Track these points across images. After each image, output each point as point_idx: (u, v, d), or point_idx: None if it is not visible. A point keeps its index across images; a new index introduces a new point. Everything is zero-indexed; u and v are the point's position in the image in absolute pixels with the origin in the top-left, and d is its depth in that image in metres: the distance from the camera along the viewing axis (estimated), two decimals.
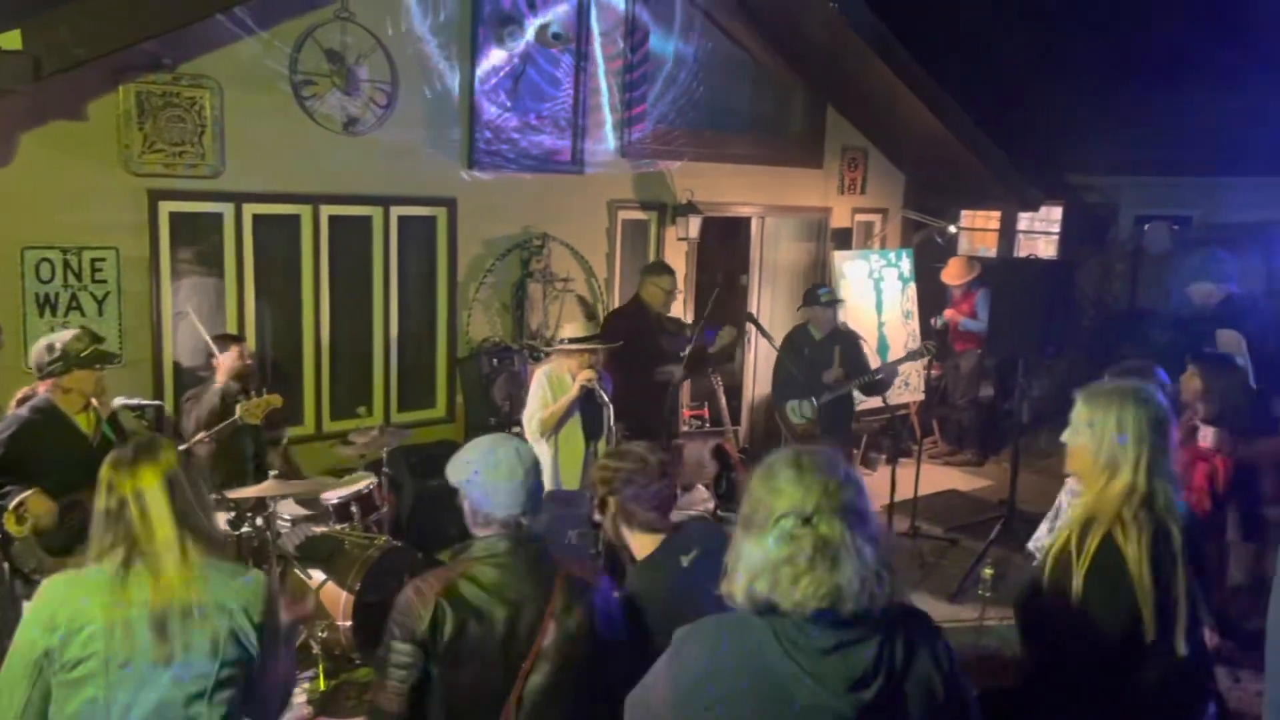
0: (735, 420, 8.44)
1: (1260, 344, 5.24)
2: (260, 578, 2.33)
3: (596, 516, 4.46)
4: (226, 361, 4.91)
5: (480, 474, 2.40)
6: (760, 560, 1.77)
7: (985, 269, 8.62)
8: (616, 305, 7.54)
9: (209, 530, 2.28)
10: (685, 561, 2.76)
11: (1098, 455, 2.51)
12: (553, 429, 4.73)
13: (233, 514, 3.48)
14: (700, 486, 6.82)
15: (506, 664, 2.31)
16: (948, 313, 8.64)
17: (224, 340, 5.13)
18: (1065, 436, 2.63)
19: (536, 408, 4.73)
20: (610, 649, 2.43)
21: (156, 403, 3.83)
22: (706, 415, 8.11)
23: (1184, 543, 2.46)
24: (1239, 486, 4.60)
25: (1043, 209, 10.27)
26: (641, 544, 2.81)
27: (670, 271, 6.11)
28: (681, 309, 7.84)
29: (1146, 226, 9.76)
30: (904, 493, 6.82)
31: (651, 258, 7.76)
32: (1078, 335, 8.19)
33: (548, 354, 5.01)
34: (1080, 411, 2.58)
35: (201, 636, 2.17)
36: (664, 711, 1.84)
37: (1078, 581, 2.41)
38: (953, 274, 8.68)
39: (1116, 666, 2.44)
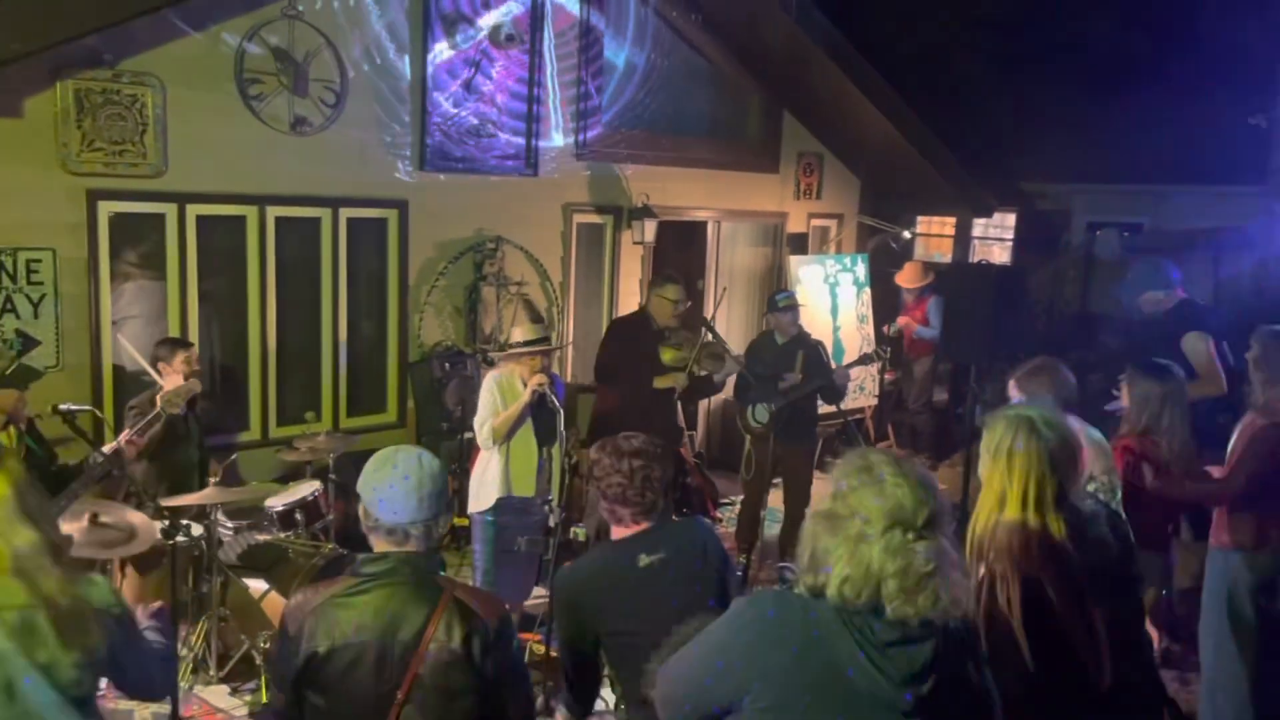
0: (692, 425, 8.40)
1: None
2: (103, 578, 2.19)
3: (552, 521, 4.44)
4: (175, 367, 4.78)
5: (376, 480, 2.25)
6: (862, 566, 1.75)
7: (939, 274, 8.67)
8: (572, 309, 7.50)
9: (55, 537, 2.13)
10: (643, 562, 2.73)
11: (991, 484, 2.48)
12: (505, 436, 4.65)
13: (166, 523, 3.36)
14: None
15: (379, 691, 2.15)
16: (901, 320, 8.68)
17: (172, 345, 5.00)
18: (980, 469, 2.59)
19: (487, 414, 4.64)
20: (499, 687, 2.25)
21: (85, 407, 3.69)
22: None
23: (1103, 561, 2.42)
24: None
25: (998, 216, 10.38)
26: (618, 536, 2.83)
27: (674, 281, 5.95)
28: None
29: (1098, 233, 9.91)
30: None
31: (607, 260, 7.72)
32: (1030, 340, 8.24)
33: (496, 359, 4.91)
34: (984, 435, 2.54)
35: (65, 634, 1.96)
36: (713, 674, 1.86)
37: (1021, 640, 2.32)
38: (907, 277, 8.72)
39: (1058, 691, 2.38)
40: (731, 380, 6.46)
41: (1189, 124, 8.98)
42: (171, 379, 4.63)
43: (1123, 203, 9.91)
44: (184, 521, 4.31)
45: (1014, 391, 3.64)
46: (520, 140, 6.91)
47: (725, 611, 1.96)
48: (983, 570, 2.39)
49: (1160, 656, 4.99)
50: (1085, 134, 9.77)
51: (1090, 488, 3.28)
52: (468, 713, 2.21)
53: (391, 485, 2.22)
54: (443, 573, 2.36)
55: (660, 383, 5.67)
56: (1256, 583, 3.93)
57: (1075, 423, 3.48)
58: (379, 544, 2.28)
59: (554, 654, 4.91)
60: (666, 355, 5.83)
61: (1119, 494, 3.60)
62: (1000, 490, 2.44)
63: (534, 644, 4.86)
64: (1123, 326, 6.56)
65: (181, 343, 5.09)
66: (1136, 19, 10.01)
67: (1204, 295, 8.17)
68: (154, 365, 4.75)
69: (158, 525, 3.84)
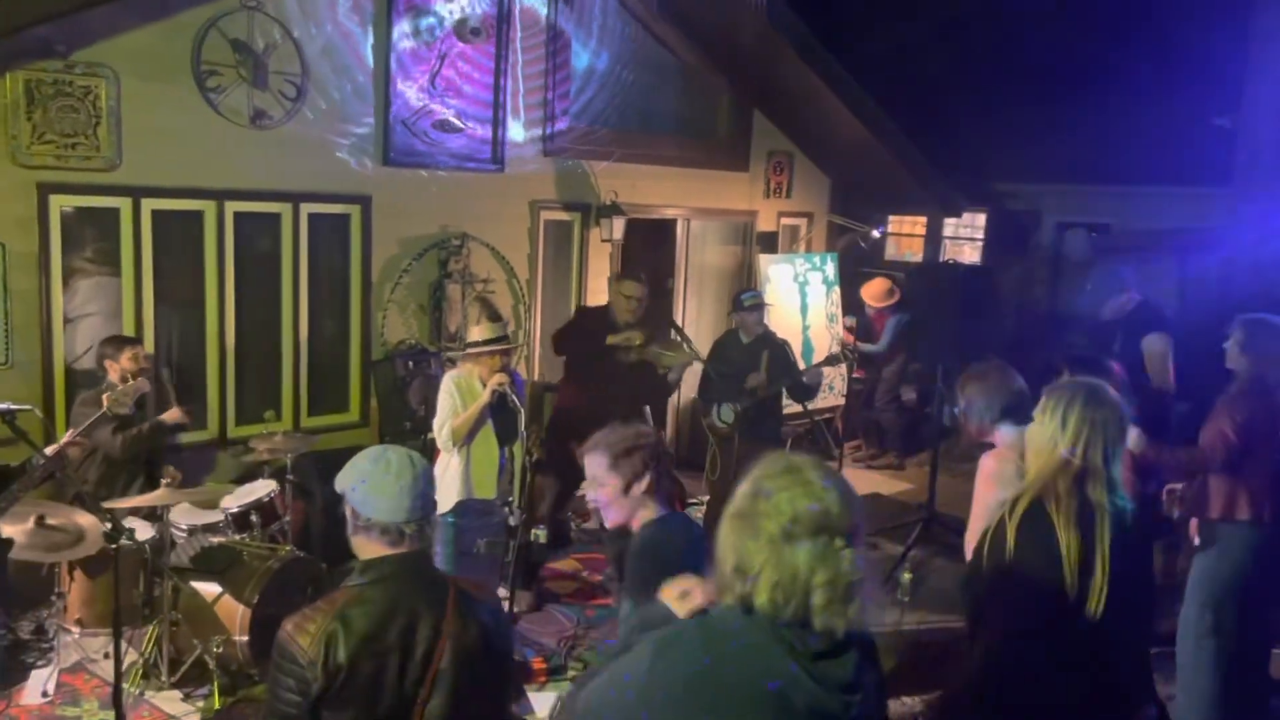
0: (660, 423, 8.35)
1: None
2: None
3: (512, 522, 4.37)
4: (122, 365, 4.67)
5: (367, 479, 2.22)
6: (789, 571, 1.69)
7: (908, 276, 8.69)
8: (539, 307, 7.42)
9: None
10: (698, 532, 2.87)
11: (1042, 440, 2.64)
12: (465, 438, 4.56)
13: (109, 525, 3.26)
14: None
15: (401, 693, 2.13)
16: (847, 336, 8.70)
17: (119, 343, 4.88)
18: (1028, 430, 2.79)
19: (446, 416, 4.54)
20: (503, 665, 2.31)
21: (25, 407, 3.58)
22: None
23: (1119, 536, 2.51)
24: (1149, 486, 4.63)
25: (968, 216, 10.39)
26: (647, 511, 2.81)
27: (635, 279, 5.94)
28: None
29: (1067, 233, 9.95)
30: None
31: (575, 258, 7.65)
32: (999, 340, 8.27)
33: (454, 359, 4.83)
34: (1043, 401, 2.71)
35: None
36: (646, 713, 1.75)
37: (1010, 540, 2.52)
38: (872, 294, 8.72)
39: (1052, 635, 2.50)
40: (695, 379, 6.42)
41: (1156, 125, 9.03)
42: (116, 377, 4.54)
43: (1091, 203, 9.95)
44: (128, 525, 4.20)
45: (959, 395, 3.62)
46: (486, 136, 6.83)
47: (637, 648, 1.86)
48: (1028, 500, 2.57)
49: None
50: (1054, 134, 9.79)
51: None
52: (484, 699, 2.24)
53: (385, 484, 2.20)
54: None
55: (614, 339, 5.75)
56: (1242, 561, 3.95)
57: (1013, 430, 3.46)
58: (369, 546, 2.23)
59: (517, 658, 4.87)
60: (622, 352, 5.82)
61: None
62: (1053, 438, 2.59)
63: None
64: (1089, 327, 6.58)
65: (128, 340, 4.98)
66: (1104, 21, 10.05)
67: (1169, 295, 8.23)
68: (100, 363, 4.63)
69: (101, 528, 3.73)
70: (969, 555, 2.81)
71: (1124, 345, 5.34)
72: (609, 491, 2.76)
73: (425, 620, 2.16)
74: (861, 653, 1.77)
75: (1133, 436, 3.88)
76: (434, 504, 2.28)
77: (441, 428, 4.54)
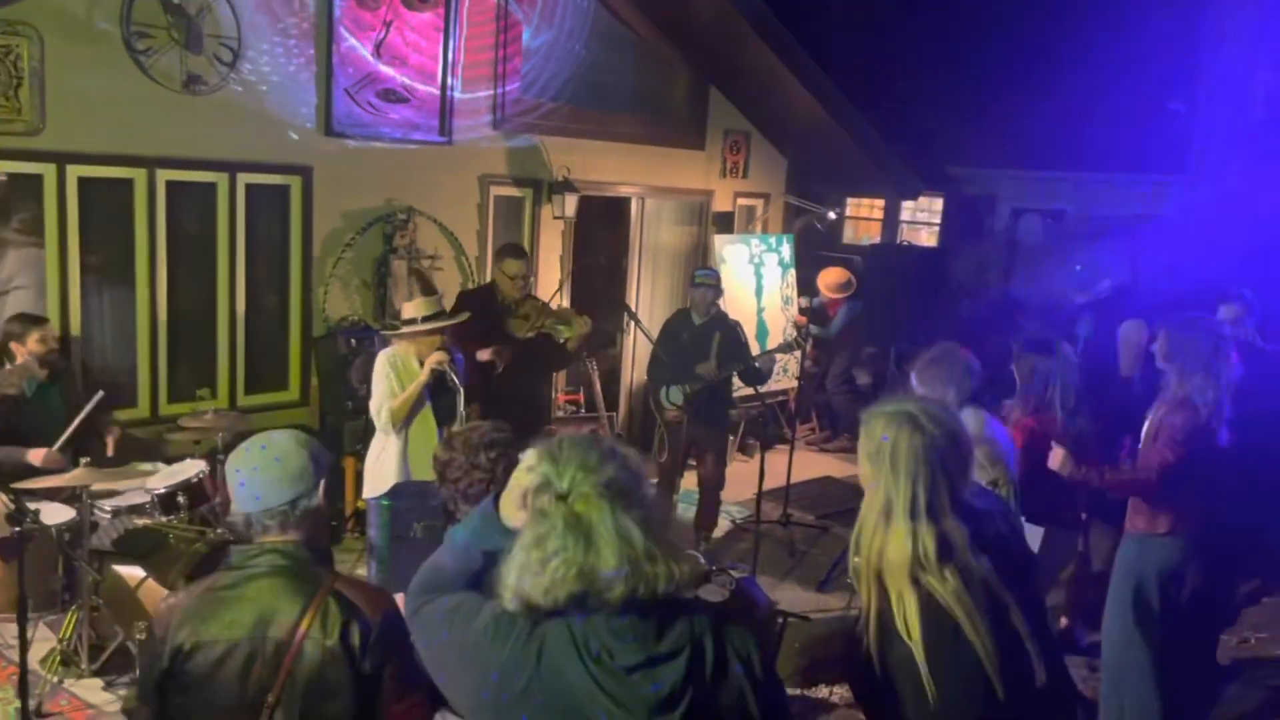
0: (613, 406, 8.24)
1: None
2: None
3: (450, 506, 4.22)
4: (29, 346, 4.45)
5: (240, 468, 2.10)
6: (516, 549, 1.62)
7: (863, 258, 8.64)
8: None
9: None
10: None
11: (875, 492, 2.12)
12: (404, 419, 4.40)
13: (12, 507, 3.07)
14: None
15: (247, 693, 1.99)
16: (799, 319, 8.63)
17: (25, 322, 4.65)
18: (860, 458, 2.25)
19: (384, 397, 4.36)
20: (380, 688, 2.09)
21: None
22: (581, 400, 7.89)
23: (1005, 561, 2.13)
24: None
25: (925, 200, 10.37)
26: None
27: (517, 255, 5.63)
28: (561, 292, 7.58)
29: (1022, 219, 9.96)
30: (779, 479, 6.74)
31: (526, 235, 7.48)
32: (952, 323, 8.25)
33: (390, 337, 4.65)
34: (861, 436, 2.20)
35: None
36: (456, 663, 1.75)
37: (926, 679, 2.01)
38: (828, 284, 8.65)
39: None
40: (642, 360, 6.27)
41: (1112, 113, 9.05)
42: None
43: (1046, 189, 9.97)
44: (47, 506, 4.00)
45: (915, 382, 3.52)
46: (434, 107, 6.62)
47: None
48: (873, 594, 2.09)
49: (1070, 640, 4.99)
50: (1011, 120, 9.78)
51: (984, 480, 3.15)
52: (345, 714, 2.05)
53: (239, 475, 2.10)
54: (328, 562, 2.24)
55: (481, 355, 5.33)
56: (1166, 570, 3.90)
57: (972, 415, 3.37)
58: (244, 533, 2.14)
59: None
60: (516, 329, 5.55)
61: (1014, 490, 3.48)
62: (886, 498, 2.10)
63: None
64: (1040, 311, 6.57)
65: (35, 320, 4.77)
66: (1062, 8, 10.04)
67: (1123, 282, 8.26)
68: (5, 343, 4.41)
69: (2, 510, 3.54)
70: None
71: (1096, 328, 5.29)
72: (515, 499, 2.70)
73: (282, 617, 2.02)
74: (720, 645, 1.64)
75: (1058, 457, 3.81)
76: (306, 485, 2.11)
77: (380, 410, 4.38)
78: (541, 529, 1.62)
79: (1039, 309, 7.09)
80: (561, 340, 5.69)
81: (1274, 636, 5.09)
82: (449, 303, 6.03)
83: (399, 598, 4.70)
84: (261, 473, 2.08)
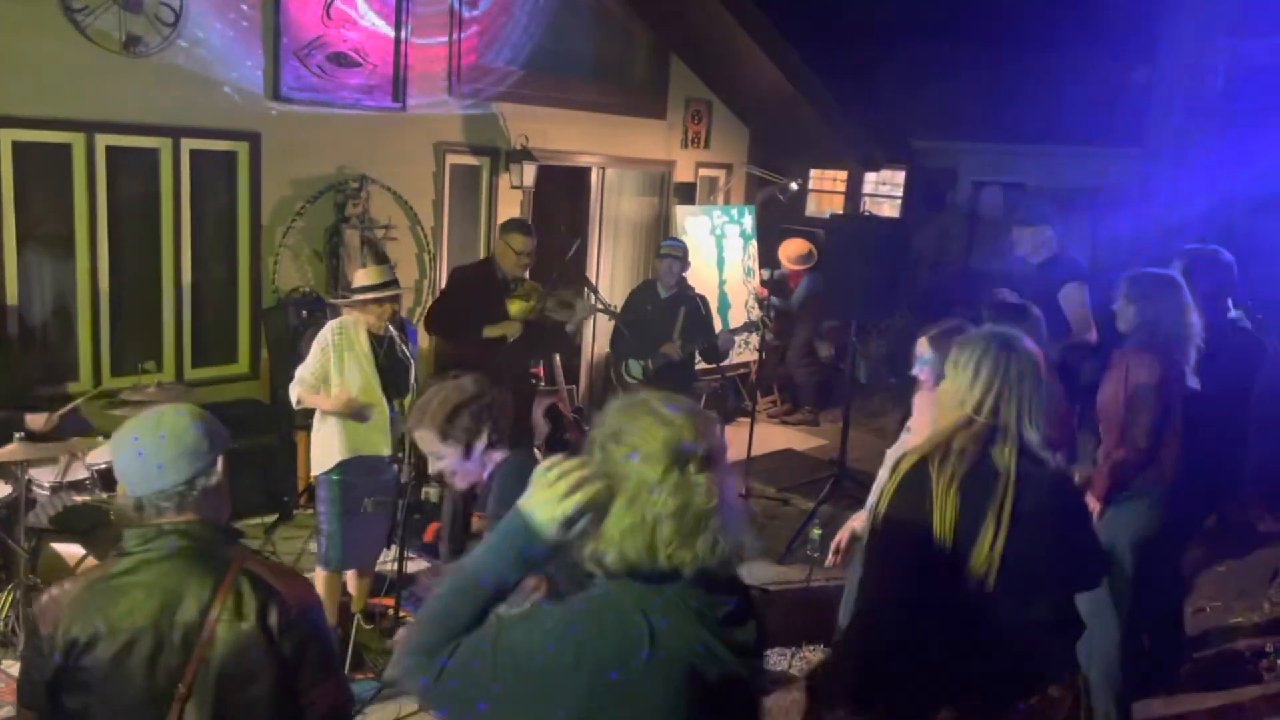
0: (573, 379, 8.15)
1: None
2: None
3: (404, 478, 4.12)
4: None
5: (115, 454, 1.97)
6: (638, 514, 1.50)
7: (825, 231, 8.58)
8: (445, 256, 7.10)
9: None
10: None
11: (949, 396, 2.42)
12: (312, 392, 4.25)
13: None
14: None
15: (153, 684, 1.86)
16: (760, 290, 8.58)
17: None
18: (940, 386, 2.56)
19: (307, 373, 4.22)
20: (301, 673, 1.99)
21: None
22: (541, 374, 7.78)
23: (1031, 503, 2.29)
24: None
25: (888, 172, 10.32)
26: (497, 457, 2.72)
27: (524, 231, 5.40)
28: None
29: (982, 192, 9.96)
30: (740, 452, 6.70)
31: (484, 205, 7.35)
32: (914, 296, 8.24)
33: (339, 304, 4.50)
34: (953, 354, 2.49)
35: None
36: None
37: (883, 503, 2.35)
38: (789, 255, 8.59)
39: (928, 606, 2.31)
40: (604, 332, 6.17)
41: (1070, 85, 9.04)
42: None
43: (1006, 162, 9.96)
44: None
45: (924, 349, 3.48)
46: (387, 72, 6.44)
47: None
48: (912, 461, 2.38)
49: None
50: (971, 92, 9.77)
51: None
52: (264, 701, 1.93)
53: (129, 454, 1.94)
54: (236, 540, 2.07)
55: (490, 331, 5.21)
56: (1142, 529, 3.89)
57: None
58: (135, 516, 1.97)
59: (411, 620, 4.65)
60: (514, 308, 5.36)
61: None
62: (961, 395, 2.38)
63: (391, 609, 4.59)
64: (1004, 282, 6.54)
65: None
66: None
67: (1081, 255, 8.27)
68: None
69: None
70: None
71: (1043, 298, 5.26)
72: (451, 460, 2.64)
73: (189, 601, 1.88)
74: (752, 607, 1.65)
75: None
76: (200, 465, 1.95)
77: (298, 383, 4.22)
78: (685, 498, 1.50)
79: (999, 280, 7.07)
80: (562, 324, 5.53)
81: (1228, 605, 5.14)
82: (411, 272, 5.95)
83: (350, 575, 4.57)
84: (154, 452, 1.92)
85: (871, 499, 2.60)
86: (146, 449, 1.92)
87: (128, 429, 1.97)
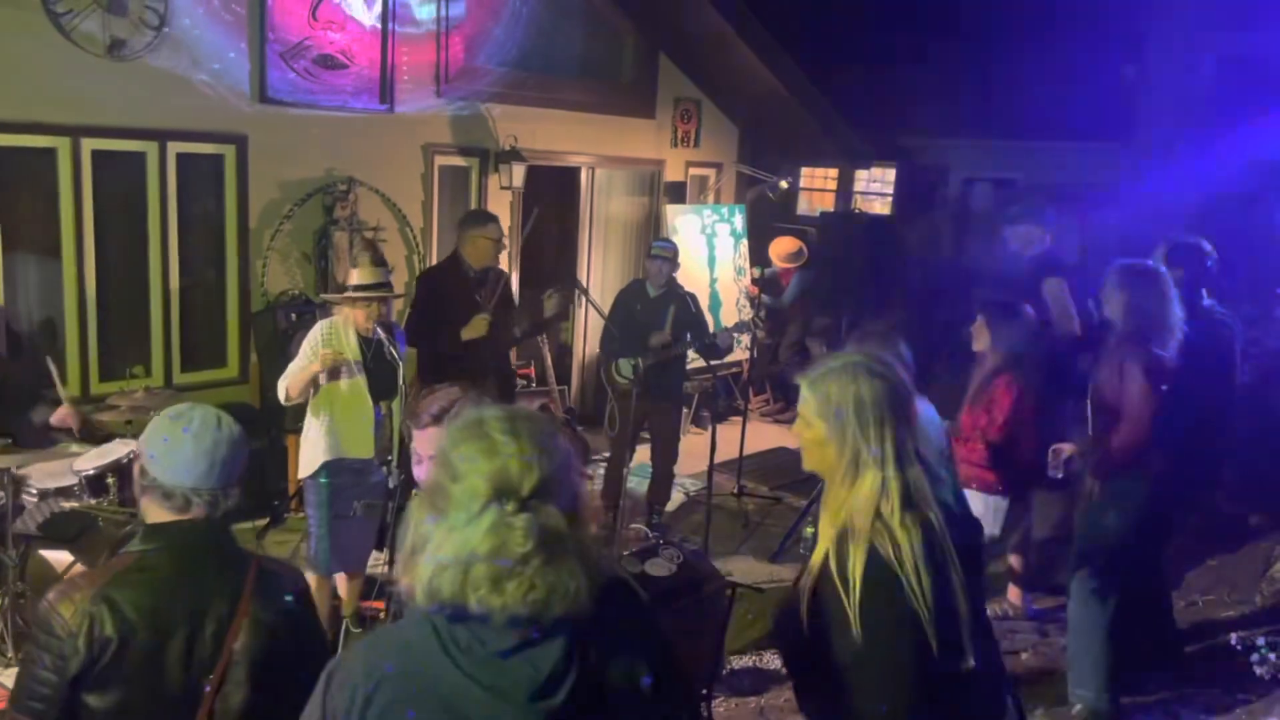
0: (565, 379, 8.14)
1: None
2: None
3: (391, 483, 4.10)
4: None
5: (161, 433, 1.97)
6: (453, 551, 1.41)
7: (816, 229, 8.59)
8: (434, 256, 7.08)
9: None
10: None
11: (841, 448, 2.02)
12: (300, 396, 4.24)
13: None
14: None
15: (187, 677, 1.88)
16: (751, 289, 8.58)
17: None
18: (796, 428, 2.14)
19: (294, 368, 4.22)
20: (314, 652, 2.03)
21: None
22: (533, 374, 7.77)
23: (957, 531, 2.03)
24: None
25: (879, 170, 10.31)
26: None
27: (493, 219, 5.47)
28: (508, 263, 7.45)
29: (973, 188, 9.96)
30: (732, 451, 6.70)
31: (473, 206, 7.32)
32: (904, 293, 8.24)
33: (330, 302, 4.49)
34: (809, 399, 2.09)
35: None
36: None
37: (853, 615, 1.90)
38: (780, 253, 8.58)
39: (911, 697, 1.98)
40: (595, 332, 6.16)
41: (1059, 81, 9.04)
42: None
43: (997, 158, 9.96)
44: None
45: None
46: (374, 74, 6.43)
47: None
48: (862, 554, 1.96)
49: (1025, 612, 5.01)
50: (961, 89, 9.77)
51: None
52: (285, 690, 1.92)
53: (180, 442, 1.95)
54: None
55: (466, 333, 5.21)
56: (1132, 514, 3.91)
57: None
58: (152, 510, 1.98)
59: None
60: (487, 299, 5.33)
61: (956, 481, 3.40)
62: (854, 451, 2.00)
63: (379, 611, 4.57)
64: (991, 279, 6.55)
65: None
66: None
67: (1071, 251, 8.28)
68: None
69: None
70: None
71: (1029, 294, 5.28)
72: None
73: (219, 597, 1.93)
74: (596, 635, 1.47)
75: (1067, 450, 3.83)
76: (236, 477, 2.01)
77: (283, 379, 4.23)
78: (498, 540, 1.41)
79: (990, 277, 7.08)
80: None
81: (1219, 598, 5.15)
82: (401, 275, 5.92)
83: (340, 578, 4.57)
84: (208, 447, 1.95)
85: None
86: (207, 444, 1.95)
87: (180, 418, 1.98)
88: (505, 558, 1.40)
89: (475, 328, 5.20)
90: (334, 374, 4.18)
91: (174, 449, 1.94)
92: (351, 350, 4.23)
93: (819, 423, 2.05)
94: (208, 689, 1.89)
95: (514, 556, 1.40)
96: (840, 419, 2.02)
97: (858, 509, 1.98)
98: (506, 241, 5.39)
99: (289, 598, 2.00)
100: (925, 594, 1.92)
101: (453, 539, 1.42)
